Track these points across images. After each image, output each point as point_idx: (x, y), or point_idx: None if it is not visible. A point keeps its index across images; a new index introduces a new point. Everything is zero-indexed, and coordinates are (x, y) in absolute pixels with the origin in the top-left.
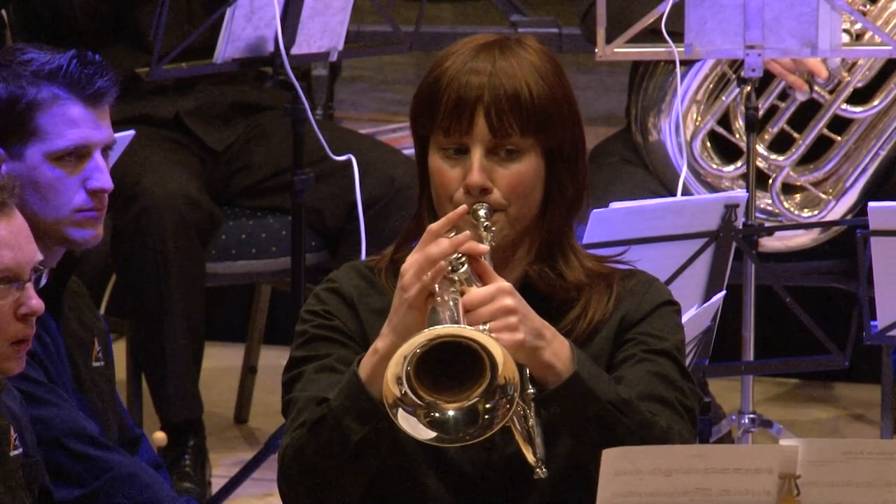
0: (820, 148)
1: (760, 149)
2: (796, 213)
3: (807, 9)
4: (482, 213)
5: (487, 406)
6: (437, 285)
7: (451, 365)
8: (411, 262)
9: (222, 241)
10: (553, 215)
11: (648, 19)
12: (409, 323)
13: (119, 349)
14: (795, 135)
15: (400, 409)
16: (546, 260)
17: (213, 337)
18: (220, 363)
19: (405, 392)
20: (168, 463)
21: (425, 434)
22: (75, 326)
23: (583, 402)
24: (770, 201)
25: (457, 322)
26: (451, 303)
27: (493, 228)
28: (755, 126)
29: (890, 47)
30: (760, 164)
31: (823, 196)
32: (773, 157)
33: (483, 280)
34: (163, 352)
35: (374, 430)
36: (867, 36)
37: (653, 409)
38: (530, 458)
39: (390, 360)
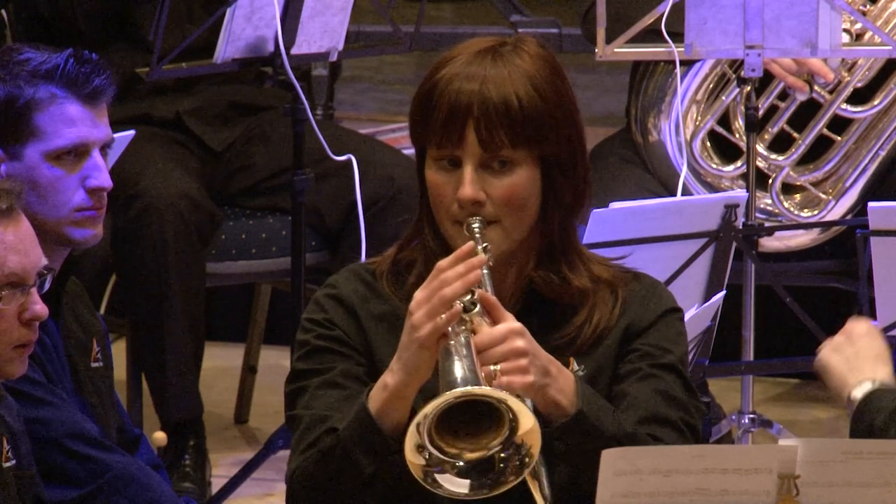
0: (820, 148)
1: (760, 149)
2: (796, 213)
3: (807, 9)
4: (475, 226)
5: (502, 455)
6: None
7: (468, 411)
8: (421, 300)
9: (222, 241)
10: (551, 222)
11: (648, 19)
12: (419, 362)
13: (119, 349)
14: (795, 135)
15: (434, 475)
16: (549, 265)
17: (213, 337)
18: (220, 363)
19: (429, 455)
20: (168, 463)
21: (463, 487)
22: (74, 327)
23: (587, 438)
24: (770, 201)
25: (473, 369)
26: (464, 347)
27: (490, 247)
28: (755, 126)
29: (890, 47)
30: (760, 164)
31: (823, 196)
32: (773, 157)
33: (491, 314)
34: (163, 352)
35: (385, 463)
36: (867, 36)
37: (657, 432)
38: (539, 499)
39: (406, 434)
